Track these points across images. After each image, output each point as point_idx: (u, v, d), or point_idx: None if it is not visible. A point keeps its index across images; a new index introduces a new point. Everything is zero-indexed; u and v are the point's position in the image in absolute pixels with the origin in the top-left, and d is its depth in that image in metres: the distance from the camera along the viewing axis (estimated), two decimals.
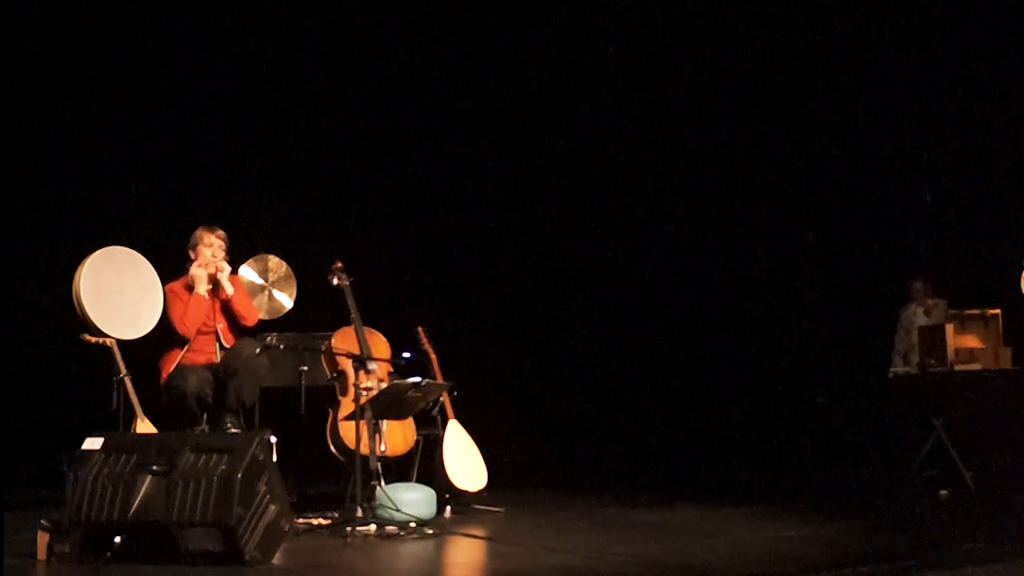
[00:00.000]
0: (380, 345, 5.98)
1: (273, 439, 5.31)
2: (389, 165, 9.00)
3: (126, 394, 5.33)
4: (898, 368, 8.22)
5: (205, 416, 5.71)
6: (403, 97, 8.94)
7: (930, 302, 8.14)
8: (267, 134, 8.46)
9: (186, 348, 5.72)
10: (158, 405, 5.62)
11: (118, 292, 5.46)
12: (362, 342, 5.76)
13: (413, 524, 5.19)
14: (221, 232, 5.92)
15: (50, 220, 7.61)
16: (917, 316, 8.15)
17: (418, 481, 5.82)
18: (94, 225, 7.14)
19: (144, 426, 5.31)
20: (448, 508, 5.84)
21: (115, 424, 5.40)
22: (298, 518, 5.17)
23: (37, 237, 7.54)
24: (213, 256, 5.84)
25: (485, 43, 9.04)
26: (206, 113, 8.21)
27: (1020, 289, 6.93)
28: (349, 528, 4.99)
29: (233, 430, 5.61)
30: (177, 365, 5.67)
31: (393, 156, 8.99)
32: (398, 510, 5.29)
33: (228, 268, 5.91)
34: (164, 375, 5.70)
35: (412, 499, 5.42)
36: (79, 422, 5.49)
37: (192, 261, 5.87)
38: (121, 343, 5.46)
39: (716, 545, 5.01)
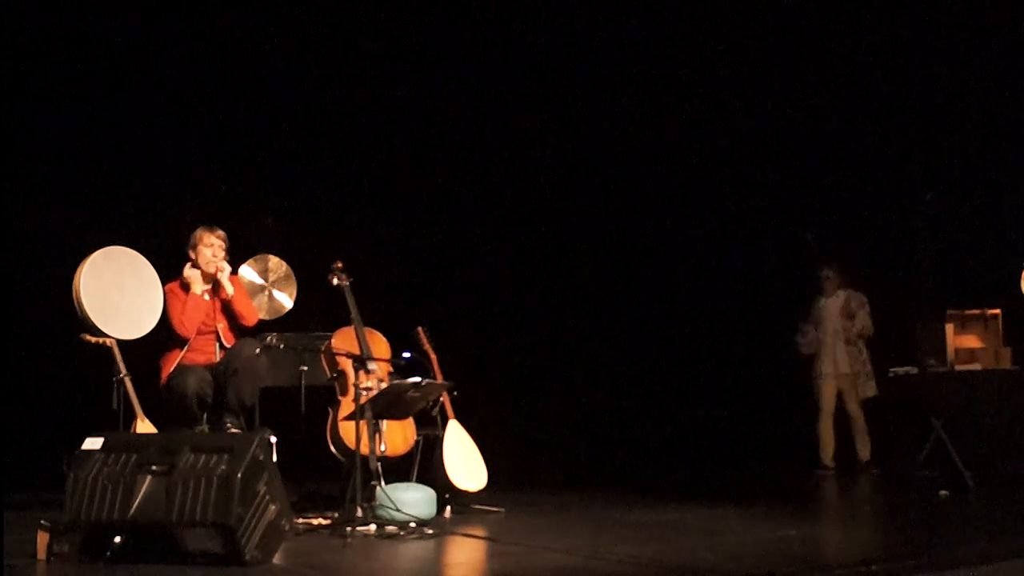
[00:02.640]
0: (380, 345, 5.97)
1: (273, 439, 5.31)
2: (389, 165, 9.00)
3: (126, 394, 5.33)
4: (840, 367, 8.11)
5: (205, 416, 5.71)
6: (402, 96, 8.93)
7: (842, 293, 8.14)
8: (267, 134, 8.46)
9: (186, 348, 5.73)
10: (158, 405, 5.62)
11: (118, 292, 5.46)
12: (362, 342, 5.75)
13: (413, 524, 5.19)
14: (221, 232, 5.92)
15: (50, 220, 7.60)
16: (830, 309, 8.12)
17: (418, 481, 5.82)
18: (94, 225, 7.14)
19: (144, 426, 5.30)
20: (448, 508, 5.84)
21: (115, 424, 5.39)
22: (298, 518, 5.16)
23: (37, 237, 7.53)
24: (213, 256, 5.84)
25: (483, 42, 9.04)
26: (206, 112, 8.22)
27: (1020, 289, 6.93)
28: (349, 528, 4.99)
29: (233, 430, 5.61)
30: (177, 365, 5.67)
31: (393, 156, 8.99)
32: (398, 510, 5.28)
33: (228, 268, 5.91)
34: (164, 375, 5.70)
35: (412, 499, 5.41)
36: (79, 422, 5.48)
37: (192, 261, 5.87)
38: (121, 343, 5.45)
39: (716, 545, 4.98)
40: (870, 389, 8.14)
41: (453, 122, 9.10)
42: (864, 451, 8.14)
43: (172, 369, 5.67)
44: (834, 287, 8.25)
